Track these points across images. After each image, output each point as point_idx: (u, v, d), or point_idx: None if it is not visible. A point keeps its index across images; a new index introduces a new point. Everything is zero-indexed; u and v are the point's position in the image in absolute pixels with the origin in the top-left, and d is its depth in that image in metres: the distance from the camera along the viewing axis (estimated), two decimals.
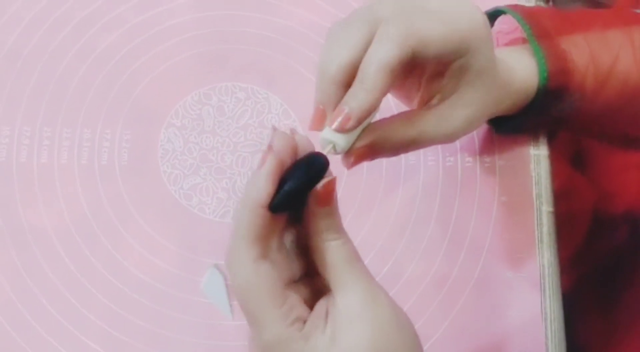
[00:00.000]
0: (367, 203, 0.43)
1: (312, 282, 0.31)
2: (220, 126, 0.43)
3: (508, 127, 0.42)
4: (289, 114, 0.44)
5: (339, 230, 0.30)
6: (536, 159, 0.44)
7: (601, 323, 0.52)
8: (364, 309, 0.28)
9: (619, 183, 0.56)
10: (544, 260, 0.42)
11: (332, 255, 0.29)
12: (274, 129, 0.29)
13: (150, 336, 0.39)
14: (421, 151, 0.44)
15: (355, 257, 0.30)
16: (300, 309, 0.29)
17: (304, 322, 0.29)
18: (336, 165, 0.31)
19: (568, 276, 0.55)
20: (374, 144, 0.33)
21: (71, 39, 0.44)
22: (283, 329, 0.28)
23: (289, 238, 0.31)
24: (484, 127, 0.44)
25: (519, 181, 0.44)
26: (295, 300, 0.29)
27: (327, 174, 0.29)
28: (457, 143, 0.44)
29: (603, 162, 0.58)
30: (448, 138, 0.35)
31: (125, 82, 0.44)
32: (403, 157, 0.44)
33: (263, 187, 0.28)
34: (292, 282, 0.31)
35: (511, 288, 0.41)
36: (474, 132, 0.44)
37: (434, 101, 0.35)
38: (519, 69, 0.38)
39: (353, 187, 0.43)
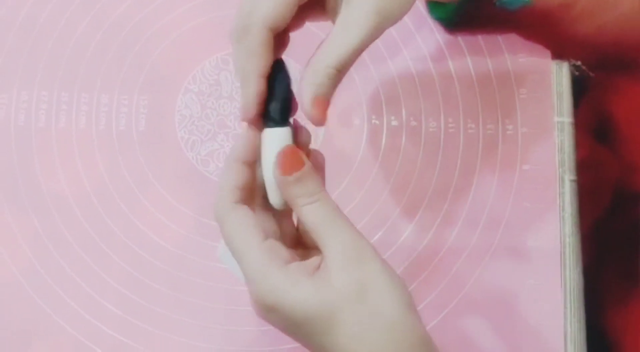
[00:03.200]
0: (386, 171, 0.42)
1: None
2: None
3: (452, 18, 0.40)
4: None
5: (313, 193, 0.30)
6: (560, 126, 0.43)
7: (620, 297, 0.51)
8: (348, 262, 0.29)
9: None
10: (565, 229, 0.41)
11: (311, 217, 0.30)
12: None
13: (168, 300, 0.39)
14: (442, 117, 0.43)
15: (334, 214, 0.30)
16: (283, 251, 0.30)
17: (287, 263, 0.29)
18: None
19: (587, 250, 0.54)
20: (318, 97, 0.31)
21: (84, 6, 0.44)
22: (261, 261, 0.29)
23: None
24: (509, 93, 0.43)
25: (541, 148, 0.43)
26: (279, 245, 0.30)
27: (287, 141, 0.31)
28: (479, 109, 0.43)
29: (627, 135, 0.56)
30: (362, 38, 0.31)
31: (141, 48, 0.43)
32: (423, 124, 0.43)
33: (243, 144, 0.31)
34: (290, 243, 0.31)
35: (531, 258, 0.41)
36: (497, 98, 0.43)
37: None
38: None
39: (372, 156, 0.42)
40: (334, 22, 0.32)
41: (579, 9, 0.39)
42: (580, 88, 0.56)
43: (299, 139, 0.32)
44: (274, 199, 0.31)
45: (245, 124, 0.31)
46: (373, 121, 0.43)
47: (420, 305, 0.40)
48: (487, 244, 0.41)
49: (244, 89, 0.31)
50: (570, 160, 0.42)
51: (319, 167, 0.33)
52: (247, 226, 0.30)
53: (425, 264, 0.41)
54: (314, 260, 0.30)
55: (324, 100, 0.31)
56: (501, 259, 0.41)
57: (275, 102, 0.31)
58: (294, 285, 0.28)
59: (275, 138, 0.31)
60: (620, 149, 0.56)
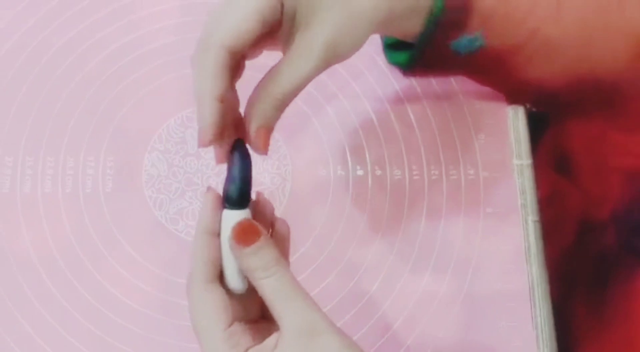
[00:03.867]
0: (353, 221, 0.43)
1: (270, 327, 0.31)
2: (204, 149, 0.43)
3: (409, 62, 0.41)
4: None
5: (269, 266, 0.30)
6: (519, 168, 0.44)
7: (591, 328, 0.52)
8: (302, 343, 0.29)
9: (605, 187, 0.57)
10: (532, 270, 0.42)
11: (267, 291, 0.30)
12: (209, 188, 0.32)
13: None
14: (405, 165, 0.44)
15: (290, 291, 0.30)
16: (244, 337, 0.30)
17: (246, 349, 0.29)
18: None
19: (556, 282, 0.55)
20: (262, 125, 0.32)
21: (50, 67, 0.44)
22: (221, 349, 0.29)
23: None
24: (468, 138, 0.45)
25: (503, 191, 0.44)
26: (241, 330, 0.30)
27: (244, 215, 0.31)
28: (441, 156, 0.44)
29: (587, 167, 0.58)
30: (312, 68, 0.32)
31: (106, 108, 0.44)
32: (388, 173, 0.44)
33: (209, 215, 0.31)
34: (254, 319, 0.31)
35: (501, 300, 0.41)
36: (457, 144, 0.45)
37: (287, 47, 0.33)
38: None
39: (339, 207, 0.43)
40: (284, 53, 0.33)
41: (529, 52, 0.41)
42: (541, 123, 0.58)
43: (263, 211, 0.33)
44: (233, 281, 0.31)
45: (205, 195, 0.32)
46: (339, 172, 0.44)
47: None
48: (457, 289, 0.42)
49: (199, 112, 0.31)
50: (532, 202, 0.44)
51: (283, 237, 0.33)
52: (214, 311, 0.30)
53: (396, 315, 0.41)
54: (272, 338, 0.30)
55: (267, 130, 0.31)
56: (472, 304, 0.41)
57: (234, 185, 0.31)
58: None
59: (234, 220, 0.31)
60: (582, 182, 0.57)
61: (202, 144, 0.31)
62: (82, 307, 0.39)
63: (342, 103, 0.45)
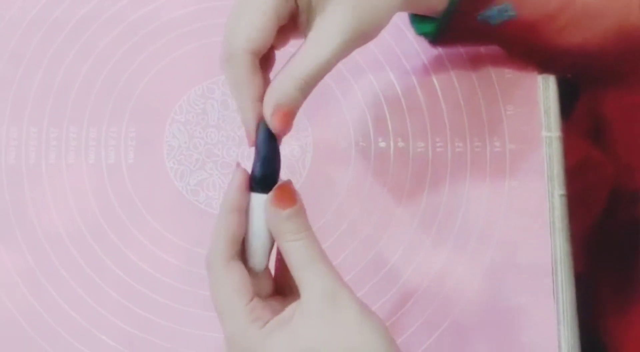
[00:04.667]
0: (374, 193, 0.42)
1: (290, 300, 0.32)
2: (224, 120, 0.43)
3: (436, 34, 0.40)
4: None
5: (301, 230, 0.30)
6: (548, 141, 0.43)
7: (619, 304, 0.51)
8: (323, 306, 0.29)
9: (638, 157, 0.55)
10: (556, 245, 0.41)
11: (293, 255, 0.30)
12: (238, 164, 0.32)
13: (160, 329, 0.40)
14: (429, 137, 0.43)
15: (317, 256, 0.30)
16: (264, 311, 0.30)
17: (266, 323, 0.30)
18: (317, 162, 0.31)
19: (584, 252, 0.54)
20: (278, 109, 0.31)
21: (70, 39, 0.44)
22: (243, 324, 0.30)
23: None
24: (495, 110, 0.43)
25: (530, 164, 0.43)
26: (261, 305, 0.31)
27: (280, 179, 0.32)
28: (466, 127, 0.43)
29: (622, 137, 0.56)
30: (332, 54, 0.32)
31: (127, 80, 0.44)
32: (411, 145, 0.43)
33: (235, 193, 0.31)
34: (267, 295, 0.32)
35: (523, 274, 0.41)
36: (483, 115, 0.43)
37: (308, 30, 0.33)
38: None
39: (360, 180, 0.42)
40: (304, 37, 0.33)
41: (562, 21, 0.39)
42: (573, 91, 0.56)
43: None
44: (256, 260, 0.32)
45: (236, 168, 0.32)
46: (360, 144, 0.43)
47: (411, 328, 0.40)
48: (478, 262, 0.41)
49: (243, 115, 0.32)
50: (559, 175, 0.42)
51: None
52: (236, 287, 0.30)
53: (417, 285, 0.41)
54: (289, 309, 0.30)
55: (287, 111, 0.31)
56: (493, 277, 0.41)
57: (262, 169, 0.31)
58: (270, 345, 0.29)
59: (261, 203, 0.31)
60: (615, 151, 0.56)
61: (253, 145, 0.32)
62: (108, 278, 0.41)
63: (366, 74, 0.44)
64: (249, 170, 0.32)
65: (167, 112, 0.43)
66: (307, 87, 0.32)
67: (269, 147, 0.31)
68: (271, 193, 0.31)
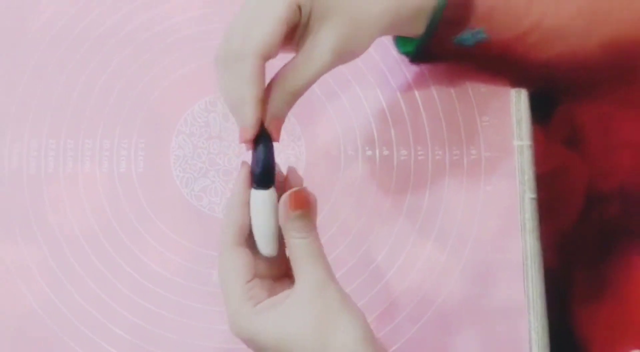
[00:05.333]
0: (362, 197, 0.46)
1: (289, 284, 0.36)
2: (225, 131, 0.47)
3: (416, 54, 0.44)
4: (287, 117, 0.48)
5: (307, 230, 0.35)
6: (520, 149, 0.47)
7: (590, 298, 0.55)
8: (313, 298, 0.33)
9: (613, 161, 0.59)
10: (526, 244, 0.46)
11: (296, 250, 0.34)
12: (243, 163, 0.36)
13: (169, 323, 0.44)
14: (411, 146, 0.47)
15: (317, 254, 0.34)
16: (262, 292, 0.34)
17: (258, 302, 0.34)
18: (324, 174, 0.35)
19: (560, 250, 0.58)
20: (274, 117, 0.35)
21: (87, 57, 0.48)
22: (238, 301, 0.34)
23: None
24: (471, 121, 0.47)
25: (503, 170, 0.47)
26: (260, 285, 0.35)
27: (271, 200, 0.36)
28: (445, 137, 0.47)
29: (597, 142, 0.60)
30: (320, 69, 0.36)
31: (137, 95, 0.48)
32: (395, 153, 0.47)
33: (242, 187, 0.35)
34: (278, 277, 0.36)
35: (496, 270, 0.45)
36: (461, 126, 0.48)
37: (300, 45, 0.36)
38: None
39: (349, 185, 0.47)
40: (296, 52, 0.37)
41: (530, 42, 0.43)
42: (554, 99, 0.60)
43: (294, 184, 0.37)
44: (265, 248, 0.36)
45: (240, 168, 0.36)
46: (349, 152, 0.47)
47: (396, 319, 0.44)
48: (457, 259, 0.45)
49: (241, 113, 0.34)
50: (530, 180, 0.47)
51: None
52: (237, 269, 0.34)
53: (401, 280, 0.45)
54: (284, 293, 0.34)
55: (279, 120, 0.36)
56: (470, 272, 0.45)
57: (259, 168, 0.35)
58: (259, 319, 0.33)
59: (262, 198, 0.35)
60: (590, 156, 0.60)
61: (246, 141, 0.35)
62: (121, 277, 0.45)
63: (354, 89, 0.48)
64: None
65: (173, 125, 0.48)
66: (295, 100, 0.36)
67: (265, 150, 0.36)
68: (285, 195, 0.35)
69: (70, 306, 0.44)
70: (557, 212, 0.58)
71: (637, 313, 0.50)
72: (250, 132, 0.35)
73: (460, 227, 0.46)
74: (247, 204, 0.36)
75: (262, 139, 0.36)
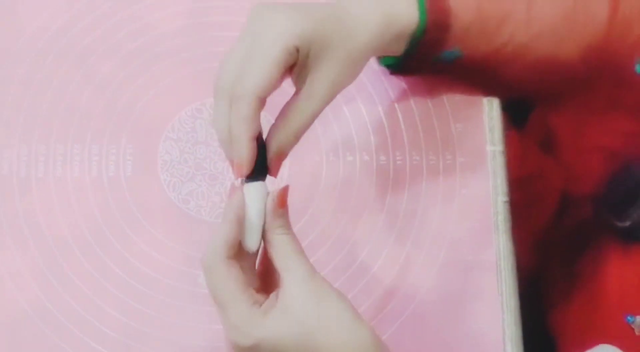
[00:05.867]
0: (343, 201, 0.48)
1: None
2: (212, 137, 0.49)
3: (398, 68, 0.46)
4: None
5: (289, 227, 0.37)
6: (492, 154, 0.50)
7: (562, 297, 0.57)
8: (306, 286, 0.35)
9: (585, 165, 0.61)
10: (500, 244, 0.48)
11: (281, 246, 0.36)
12: (233, 186, 0.37)
13: (158, 322, 0.45)
14: (390, 152, 0.49)
15: (300, 249, 0.37)
16: (258, 296, 0.36)
17: (262, 304, 0.36)
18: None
19: (535, 250, 0.60)
20: (278, 153, 0.38)
21: (75, 66, 0.50)
22: (246, 307, 0.35)
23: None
24: (447, 128, 0.50)
25: (477, 174, 0.49)
26: (254, 291, 0.36)
27: (264, 191, 0.37)
28: (422, 143, 0.50)
29: (570, 146, 0.62)
30: (322, 106, 0.38)
31: (126, 102, 0.49)
32: (374, 159, 0.49)
33: (237, 204, 0.36)
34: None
35: (471, 270, 0.47)
36: (437, 132, 0.50)
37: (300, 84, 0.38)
38: (403, 16, 0.41)
39: (330, 189, 0.48)
40: (295, 85, 0.39)
41: (503, 56, 0.45)
42: (529, 104, 0.63)
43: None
44: (250, 242, 0.37)
45: (235, 187, 0.37)
46: (331, 158, 0.49)
47: (377, 317, 0.46)
48: (433, 259, 0.48)
49: (236, 151, 0.36)
50: (502, 184, 0.49)
51: None
52: (234, 279, 0.35)
53: (381, 279, 0.47)
54: (273, 295, 0.36)
55: (282, 157, 0.38)
56: (446, 272, 0.47)
57: (257, 162, 0.37)
58: (268, 322, 0.35)
59: (255, 190, 0.37)
60: (564, 160, 0.62)
61: (241, 176, 0.37)
62: (110, 278, 0.46)
63: (336, 98, 0.50)
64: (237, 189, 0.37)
65: (160, 131, 0.49)
66: (299, 137, 0.38)
67: (260, 145, 0.37)
68: (276, 193, 0.36)
69: (61, 308, 0.45)
70: (533, 214, 0.60)
71: (606, 310, 0.53)
72: (247, 169, 0.36)
73: (436, 229, 0.48)
74: (242, 222, 0.37)
75: (258, 140, 0.37)
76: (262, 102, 0.36)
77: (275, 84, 0.36)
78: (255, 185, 0.37)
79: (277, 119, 0.38)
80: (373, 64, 0.50)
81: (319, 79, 0.37)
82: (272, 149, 0.38)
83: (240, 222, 0.36)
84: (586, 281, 0.55)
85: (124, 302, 0.46)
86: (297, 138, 0.38)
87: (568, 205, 0.61)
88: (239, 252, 0.37)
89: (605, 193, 0.57)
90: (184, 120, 0.49)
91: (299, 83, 0.38)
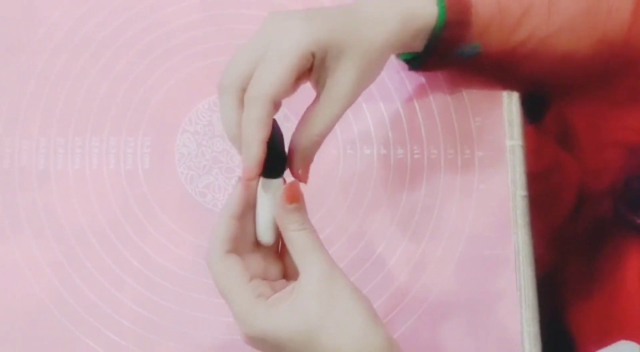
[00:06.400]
0: (359, 195, 0.48)
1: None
2: None
3: (418, 64, 0.46)
4: (288, 118, 0.49)
5: (304, 222, 0.36)
6: (511, 149, 0.49)
7: (581, 293, 0.57)
8: (321, 286, 0.35)
9: (604, 160, 0.60)
10: (518, 239, 0.47)
11: (297, 242, 0.36)
12: (239, 179, 0.37)
13: (173, 314, 0.46)
14: (407, 145, 0.49)
15: (317, 244, 0.36)
16: (266, 289, 0.36)
17: (268, 297, 0.35)
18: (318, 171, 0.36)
19: (552, 246, 0.59)
20: (304, 158, 0.38)
21: (92, 59, 0.50)
22: (249, 299, 0.35)
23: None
24: (466, 121, 0.49)
25: (496, 169, 0.49)
26: (262, 283, 0.36)
27: (279, 189, 0.37)
28: (440, 137, 0.49)
29: (588, 141, 0.62)
30: (344, 109, 0.38)
31: (143, 95, 0.50)
32: (392, 152, 0.49)
33: (234, 201, 0.36)
34: (275, 278, 0.38)
35: (489, 265, 0.47)
36: (455, 126, 0.49)
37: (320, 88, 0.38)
38: (421, 13, 0.40)
39: (348, 182, 0.48)
40: (315, 89, 0.39)
41: (523, 52, 0.45)
42: (547, 99, 0.62)
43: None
44: (264, 236, 0.37)
45: (237, 182, 0.37)
46: (348, 151, 0.49)
47: (394, 311, 0.46)
48: (451, 254, 0.47)
49: (247, 152, 0.36)
50: (521, 178, 0.48)
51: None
52: (234, 271, 0.36)
53: (398, 274, 0.47)
54: (289, 288, 0.36)
55: (308, 162, 0.38)
56: (464, 266, 0.47)
57: (273, 159, 0.37)
58: (273, 315, 0.34)
59: (270, 187, 0.37)
60: (582, 155, 0.61)
61: (250, 179, 0.36)
62: (127, 270, 0.46)
63: None
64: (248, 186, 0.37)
65: (178, 124, 0.49)
66: (322, 140, 0.38)
67: (278, 142, 0.37)
68: (282, 190, 0.36)
69: (78, 299, 0.46)
70: (550, 209, 0.60)
71: (625, 306, 0.52)
72: (255, 172, 0.36)
73: (454, 224, 0.48)
74: (237, 217, 0.37)
75: (274, 133, 0.37)
76: (276, 106, 0.36)
77: (290, 89, 0.36)
78: (268, 182, 0.37)
79: (299, 124, 0.38)
80: (392, 59, 0.49)
81: (339, 82, 0.37)
82: (297, 155, 0.37)
83: (237, 218, 0.36)
84: (605, 277, 0.55)
85: (141, 293, 0.46)
86: (319, 142, 0.38)
87: (586, 200, 0.61)
88: (244, 245, 0.37)
89: (623, 189, 0.56)
90: (201, 113, 0.49)
91: (319, 87, 0.38)
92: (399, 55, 0.48)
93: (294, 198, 0.36)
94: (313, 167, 0.48)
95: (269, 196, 0.37)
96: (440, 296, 0.46)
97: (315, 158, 0.49)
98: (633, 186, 0.56)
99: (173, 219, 0.47)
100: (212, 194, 0.48)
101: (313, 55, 0.36)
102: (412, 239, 0.47)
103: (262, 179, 0.37)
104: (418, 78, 0.50)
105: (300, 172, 0.38)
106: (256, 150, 0.36)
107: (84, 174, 0.48)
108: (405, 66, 0.49)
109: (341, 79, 0.37)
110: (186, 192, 0.48)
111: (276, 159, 0.37)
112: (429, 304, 0.46)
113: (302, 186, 0.38)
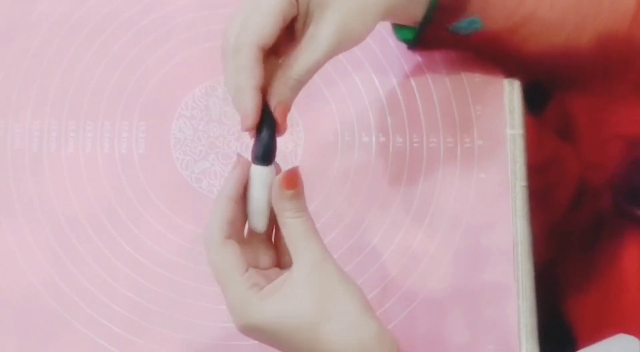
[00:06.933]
0: (357, 183, 0.47)
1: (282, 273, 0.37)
2: (225, 115, 0.48)
3: (414, 40, 0.45)
4: (297, 122, 0.48)
5: (300, 209, 0.35)
6: (512, 138, 0.48)
7: (579, 286, 0.56)
8: (312, 274, 0.34)
9: (604, 153, 0.60)
10: (517, 229, 0.47)
11: (291, 229, 0.35)
12: (239, 156, 0.36)
13: (169, 302, 0.45)
14: (406, 133, 0.48)
15: (311, 232, 0.35)
16: (260, 279, 0.35)
17: (262, 288, 0.35)
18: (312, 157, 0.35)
19: (551, 239, 0.59)
20: (280, 104, 0.37)
21: (87, 42, 0.49)
22: (242, 290, 0.34)
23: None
24: (466, 110, 0.49)
25: (495, 158, 0.48)
26: (256, 273, 0.36)
27: (270, 177, 0.37)
28: (440, 125, 0.49)
29: (589, 134, 0.61)
30: (323, 57, 0.37)
31: (138, 79, 0.49)
32: (391, 140, 0.48)
33: (232, 183, 0.36)
34: (267, 266, 0.37)
35: (487, 256, 0.46)
36: (455, 114, 0.49)
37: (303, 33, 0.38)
38: None
39: (345, 170, 0.48)
40: (300, 37, 0.38)
41: (524, 33, 0.44)
42: (548, 90, 0.61)
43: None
44: (256, 223, 0.37)
45: (234, 164, 0.37)
46: (346, 138, 0.48)
47: (389, 301, 0.46)
48: (449, 243, 0.47)
49: (240, 102, 0.35)
50: (521, 168, 0.48)
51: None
52: (233, 260, 0.35)
53: (395, 263, 0.46)
54: (281, 278, 0.35)
55: (285, 107, 0.37)
56: (462, 256, 0.46)
57: (263, 146, 0.36)
58: (266, 306, 0.34)
59: (260, 174, 0.37)
60: (582, 148, 0.61)
61: (247, 129, 0.36)
62: (122, 256, 0.46)
63: (352, 77, 0.49)
64: (248, 162, 0.37)
65: (174, 108, 0.48)
66: (300, 86, 0.37)
67: (269, 128, 0.37)
68: (280, 175, 0.36)
69: (71, 284, 0.45)
70: (549, 202, 0.59)
71: (624, 299, 0.52)
72: (251, 120, 0.35)
73: (452, 214, 0.47)
74: (239, 199, 0.36)
75: (265, 119, 0.37)
76: (262, 51, 0.35)
77: (275, 33, 0.36)
78: (261, 169, 0.37)
79: (277, 70, 0.37)
80: (390, 42, 0.49)
81: (320, 29, 0.37)
82: (273, 100, 0.36)
83: (235, 201, 0.36)
84: (604, 270, 0.55)
85: (134, 280, 0.45)
86: (297, 87, 0.37)
87: (586, 193, 0.61)
88: (240, 230, 0.36)
89: (623, 182, 0.56)
90: (198, 98, 0.49)
91: (301, 35, 0.38)
92: (397, 35, 0.47)
93: (291, 184, 0.35)
94: (310, 153, 0.48)
95: (261, 184, 0.37)
96: (437, 286, 0.46)
97: (312, 143, 0.48)
98: (633, 179, 0.55)
99: (168, 205, 0.47)
100: (208, 180, 0.47)
101: (297, 0, 0.36)
102: (409, 229, 0.47)
103: (253, 166, 0.37)
104: (418, 65, 0.49)
105: (277, 115, 0.36)
106: (249, 97, 0.35)
107: (77, 158, 0.47)
108: (404, 47, 0.48)
109: (323, 25, 0.37)
110: (181, 177, 0.47)
111: (267, 146, 0.36)
112: (426, 295, 0.46)
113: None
